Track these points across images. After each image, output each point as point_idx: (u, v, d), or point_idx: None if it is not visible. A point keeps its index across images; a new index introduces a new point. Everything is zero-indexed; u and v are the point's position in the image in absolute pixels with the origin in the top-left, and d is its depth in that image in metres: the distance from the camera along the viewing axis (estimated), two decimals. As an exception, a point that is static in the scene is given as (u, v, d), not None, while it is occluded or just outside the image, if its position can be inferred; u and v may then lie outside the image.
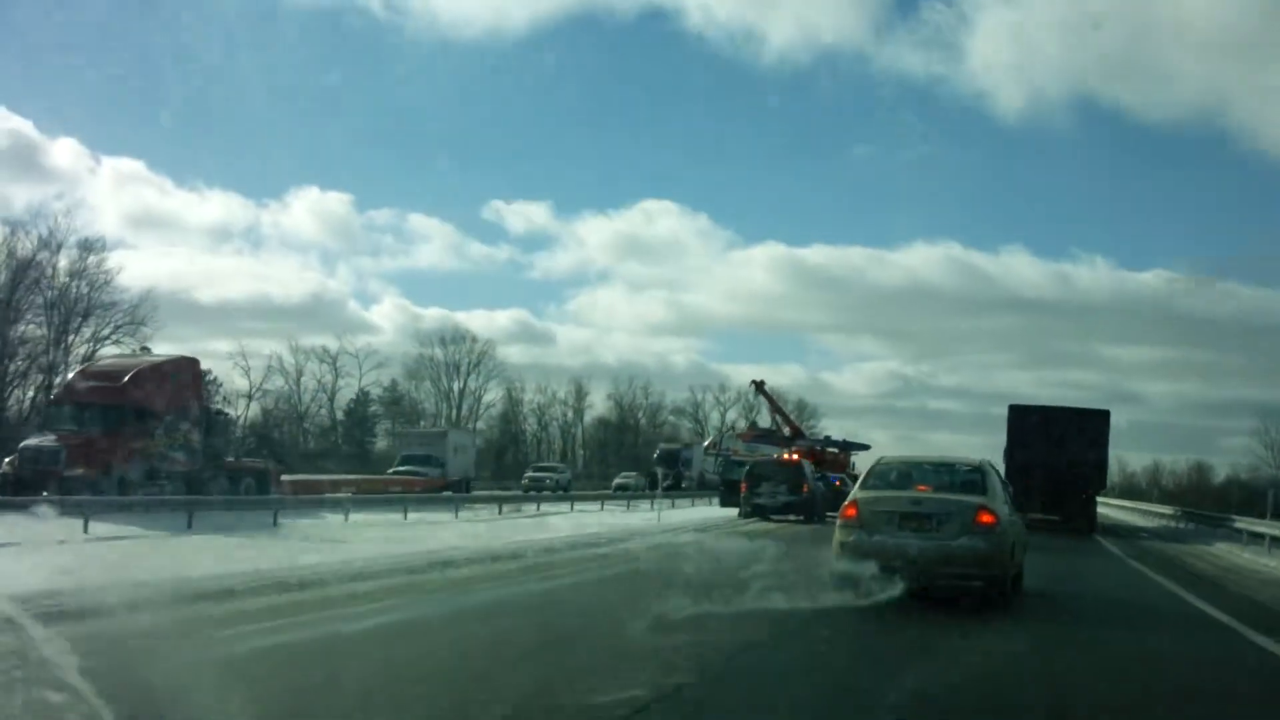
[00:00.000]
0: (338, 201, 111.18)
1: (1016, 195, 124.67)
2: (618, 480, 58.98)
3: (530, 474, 57.70)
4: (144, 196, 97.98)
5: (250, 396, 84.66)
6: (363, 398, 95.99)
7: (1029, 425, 31.76)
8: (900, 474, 13.53)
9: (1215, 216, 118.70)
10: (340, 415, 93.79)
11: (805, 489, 30.36)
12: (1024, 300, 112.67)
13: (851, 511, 12.57)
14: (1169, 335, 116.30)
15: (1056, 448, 29.42)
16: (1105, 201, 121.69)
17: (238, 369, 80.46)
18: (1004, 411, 33.86)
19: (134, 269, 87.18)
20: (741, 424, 71.44)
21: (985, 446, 64.07)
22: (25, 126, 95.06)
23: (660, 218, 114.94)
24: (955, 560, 12.06)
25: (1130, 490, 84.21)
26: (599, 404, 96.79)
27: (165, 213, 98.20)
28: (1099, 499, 36.42)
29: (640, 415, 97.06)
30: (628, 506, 41.06)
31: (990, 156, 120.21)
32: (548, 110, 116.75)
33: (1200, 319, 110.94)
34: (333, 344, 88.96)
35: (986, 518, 12.22)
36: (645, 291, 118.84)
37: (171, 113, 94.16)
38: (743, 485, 31.57)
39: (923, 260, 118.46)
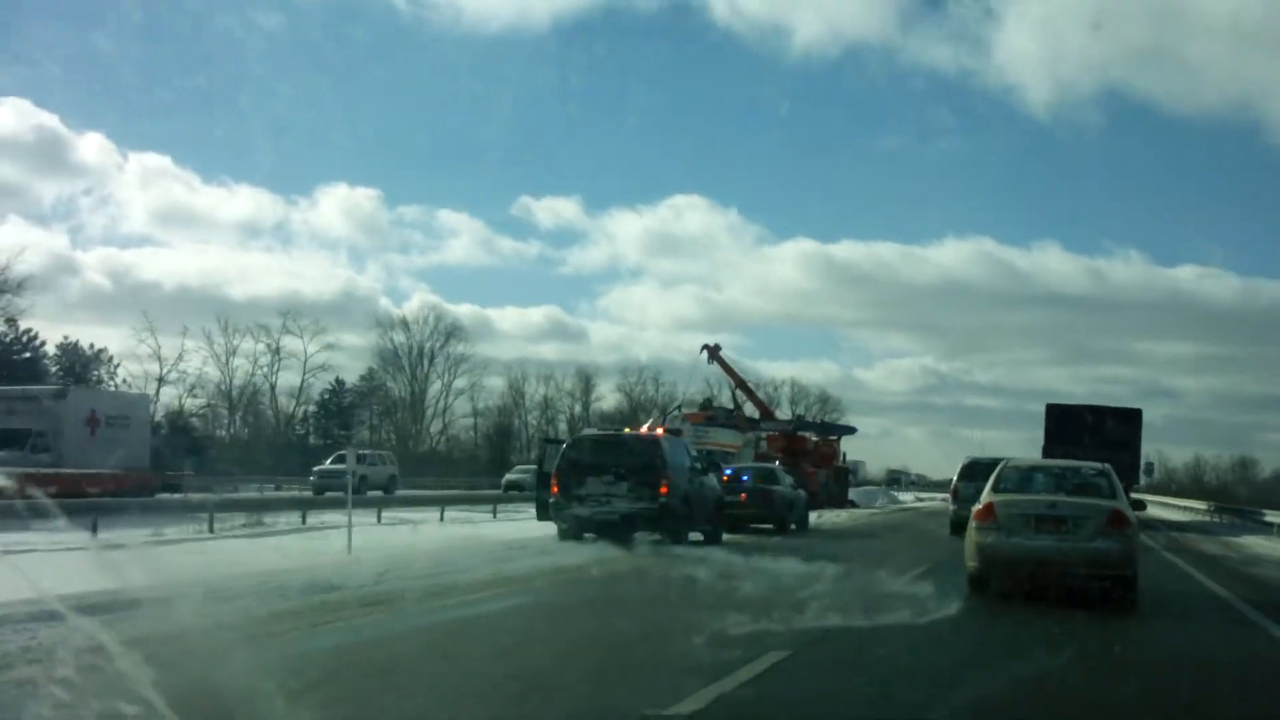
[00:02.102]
0: (366, 198, 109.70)
1: (1048, 190, 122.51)
2: (508, 477, 47.46)
3: (323, 467, 41.50)
4: (172, 192, 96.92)
5: (161, 380, 73.99)
6: (338, 387, 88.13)
7: (1065, 423, 33.11)
8: (1027, 477, 13.91)
9: (1249, 210, 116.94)
10: (312, 408, 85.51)
11: (664, 489, 18.46)
12: (1058, 296, 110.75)
13: (988, 514, 12.77)
14: (1204, 330, 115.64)
15: (1091, 446, 28.99)
16: (1138, 195, 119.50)
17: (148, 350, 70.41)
18: (1039, 408, 36.87)
19: (165, 266, 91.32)
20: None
21: (1022, 443, 63.26)
22: (52, 121, 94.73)
23: (690, 213, 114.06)
24: (1091, 562, 12.37)
25: (1170, 487, 79.39)
26: (609, 396, 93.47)
27: (194, 209, 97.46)
28: (1132, 495, 33.19)
29: (653, 409, 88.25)
30: (493, 514, 29.52)
31: (1021, 150, 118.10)
32: (573, 105, 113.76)
33: (1235, 314, 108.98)
34: (275, 323, 79.40)
35: (1121, 520, 12.59)
36: (676, 287, 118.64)
37: (197, 108, 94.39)
38: (553, 484, 19.27)
39: (954, 256, 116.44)
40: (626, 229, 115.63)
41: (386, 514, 26.52)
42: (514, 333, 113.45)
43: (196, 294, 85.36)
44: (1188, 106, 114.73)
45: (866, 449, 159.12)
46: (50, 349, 67.63)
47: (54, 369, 68.43)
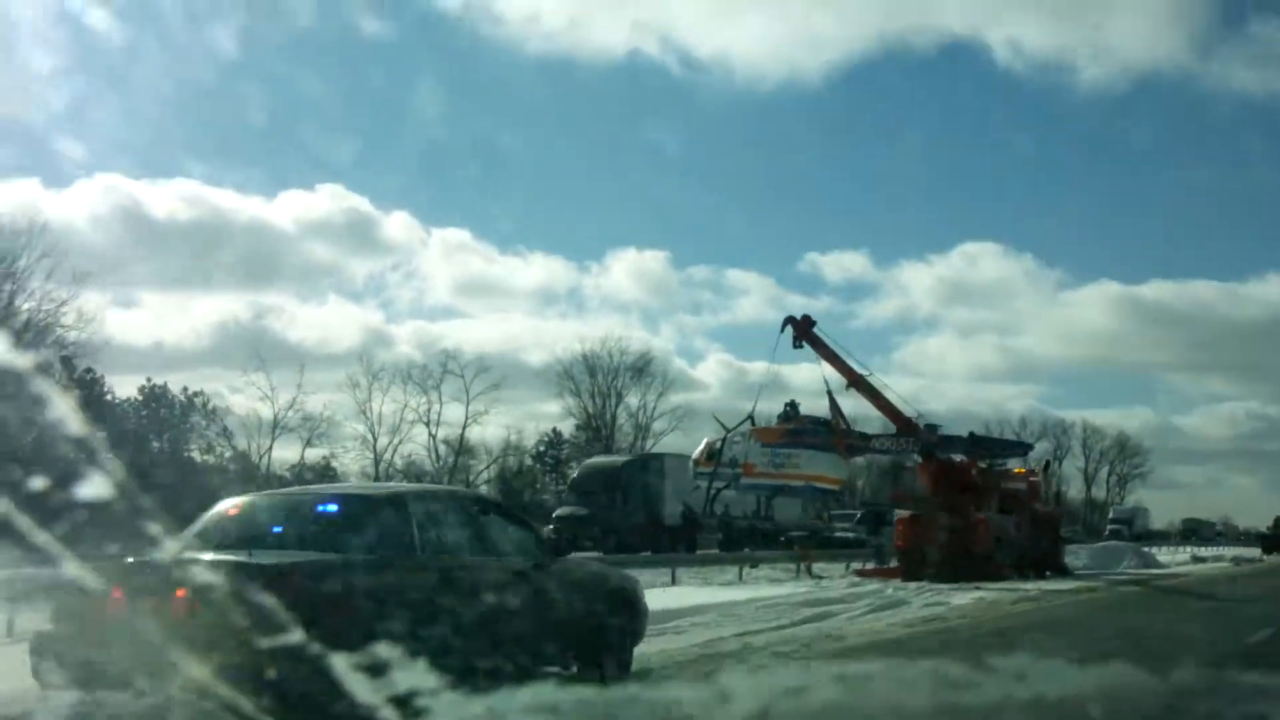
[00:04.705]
0: (654, 260, 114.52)
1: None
2: None
3: None
4: (471, 265, 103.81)
5: (276, 427, 63.41)
6: (554, 438, 78.92)
7: None
8: None
9: None
10: (527, 461, 78.28)
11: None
12: None
13: None
14: None
15: None
16: None
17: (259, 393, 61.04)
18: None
19: (468, 335, 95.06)
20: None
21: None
22: (362, 204, 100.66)
23: (982, 260, 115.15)
24: None
25: None
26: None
27: (492, 279, 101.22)
28: None
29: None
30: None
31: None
32: (853, 158, 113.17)
33: None
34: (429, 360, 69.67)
35: None
36: (974, 337, 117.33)
37: (492, 183, 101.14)
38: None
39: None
40: (918, 280, 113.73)
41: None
42: (810, 388, 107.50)
43: (497, 360, 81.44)
44: None
45: (1182, 499, 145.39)
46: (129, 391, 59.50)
47: (142, 414, 60.74)
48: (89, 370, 56.60)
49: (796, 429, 30.84)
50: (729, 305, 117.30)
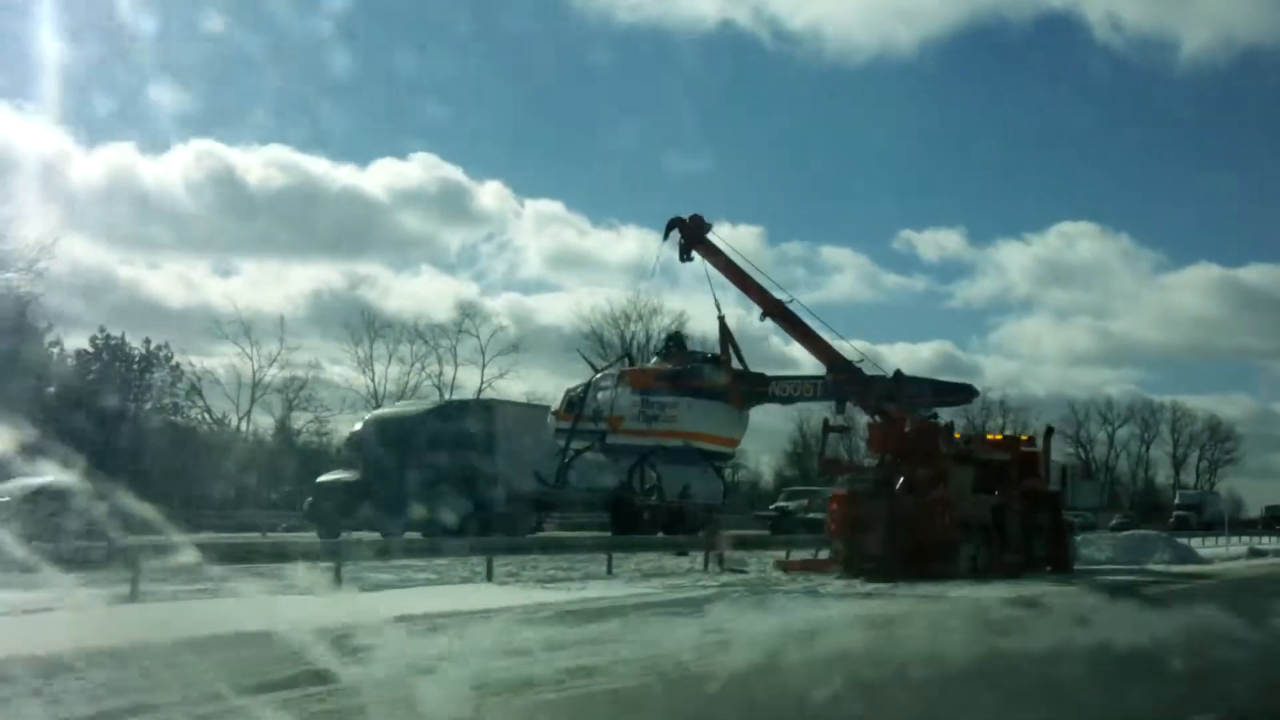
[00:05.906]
0: (749, 235, 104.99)
1: None
2: None
3: None
4: (564, 236, 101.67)
5: (256, 387, 60.27)
6: None
7: None
8: None
9: None
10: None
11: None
12: None
13: None
14: None
15: None
16: None
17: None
18: None
19: (560, 309, 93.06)
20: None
21: None
22: (456, 174, 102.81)
23: (1079, 241, 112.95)
24: None
25: None
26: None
27: (585, 251, 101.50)
28: None
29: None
30: None
31: None
32: (948, 134, 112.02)
33: None
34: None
35: None
36: (1070, 319, 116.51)
37: (585, 154, 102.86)
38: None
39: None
40: (1014, 259, 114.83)
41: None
42: (903, 368, 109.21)
43: (590, 334, 79.05)
44: None
45: (1275, 487, 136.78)
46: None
47: (92, 368, 54.08)
48: (21, 316, 50.50)
49: (677, 370, 22.99)
50: (823, 282, 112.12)
